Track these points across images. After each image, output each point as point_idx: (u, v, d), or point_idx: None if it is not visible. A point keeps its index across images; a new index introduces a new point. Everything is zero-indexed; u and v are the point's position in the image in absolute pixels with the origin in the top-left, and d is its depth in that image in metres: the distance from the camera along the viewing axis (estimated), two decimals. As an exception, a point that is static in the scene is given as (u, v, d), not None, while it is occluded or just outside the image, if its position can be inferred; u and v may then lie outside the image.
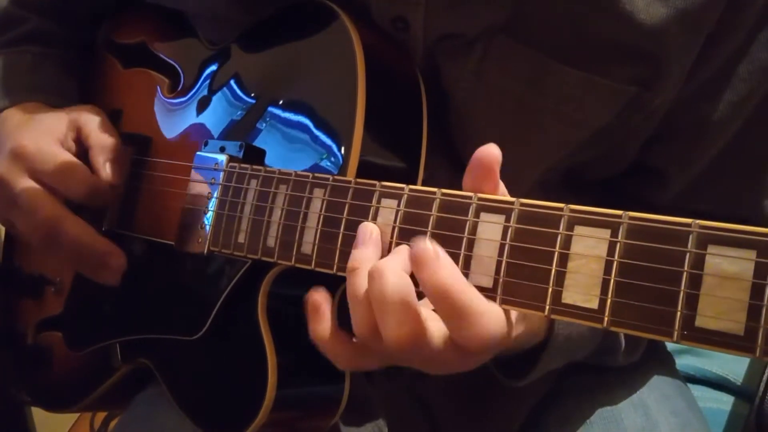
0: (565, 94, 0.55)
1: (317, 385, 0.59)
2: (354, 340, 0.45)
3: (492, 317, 0.40)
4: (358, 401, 0.60)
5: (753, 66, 0.56)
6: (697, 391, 0.88)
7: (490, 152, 0.42)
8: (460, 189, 0.43)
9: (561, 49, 0.54)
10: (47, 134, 0.64)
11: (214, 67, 0.65)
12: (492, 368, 0.59)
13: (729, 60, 0.56)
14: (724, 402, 0.89)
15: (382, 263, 0.40)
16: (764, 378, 0.84)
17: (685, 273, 0.34)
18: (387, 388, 0.72)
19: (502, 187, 0.44)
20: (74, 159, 0.64)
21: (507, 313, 0.41)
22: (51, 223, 0.61)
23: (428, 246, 0.40)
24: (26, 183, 0.62)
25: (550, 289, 0.38)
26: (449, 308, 0.40)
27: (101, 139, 0.65)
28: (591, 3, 0.52)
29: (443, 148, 0.61)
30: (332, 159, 0.52)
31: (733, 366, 0.90)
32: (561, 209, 0.39)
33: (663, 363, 0.76)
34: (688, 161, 0.61)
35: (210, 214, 0.56)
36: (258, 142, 0.57)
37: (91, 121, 0.66)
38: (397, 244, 0.44)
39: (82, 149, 0.66)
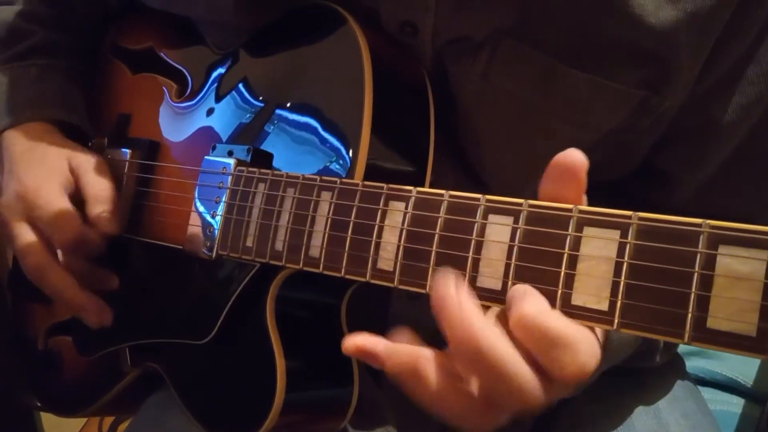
0: (572, 97, 0.55)
1: (326, 389, 0.59)
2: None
3: (586, 343, 0.37)
4: (368, 405, 0.60)
5: (761, 69, 0.55)
6: (707, 393, 0.87)
7: (575, 156, 0.39)
8: (467, 191, 0.43)
9: (569, 52, 0.53)
10: (50, 178, 0.66)
11: (221, 72, 0.65)
12: None
13: (737, 63, 0.55)
14: (735, 404, 0.89)
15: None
16: (775, 380, 0.83)
17: (696, 274, 0.34)
18: (397, 391, 0.71)
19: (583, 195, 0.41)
20: (68, 207, 0.65)
21: (593, 331, 0.38)
22: (36, 271, 0.65)
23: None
24: (20, 228, 0.65)
25: (560, 291, 0.38)
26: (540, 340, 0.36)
27: (96, 191, 0.66)
28: (599, 6, 0.51)
29: (451, 151, 0.61)
30: (340, 162, 0.52)
31: (744, 368, 0.90)
32: (570, 210, 0.39)
33: (673, 365, 0.76)
34: (697, 164, 0.60)
35: (218, 218, 0.56)
36: (266, 146, 0.57)
37: (88, 171, 0.67)
38: (406, 248, 0.44)
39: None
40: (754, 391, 0.89)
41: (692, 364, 0.88)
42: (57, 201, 0.65)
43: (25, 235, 0.65)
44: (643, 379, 0.71)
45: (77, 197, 0.67)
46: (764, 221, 0.61)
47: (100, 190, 0.66)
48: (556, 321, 0.36)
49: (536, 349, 0.36)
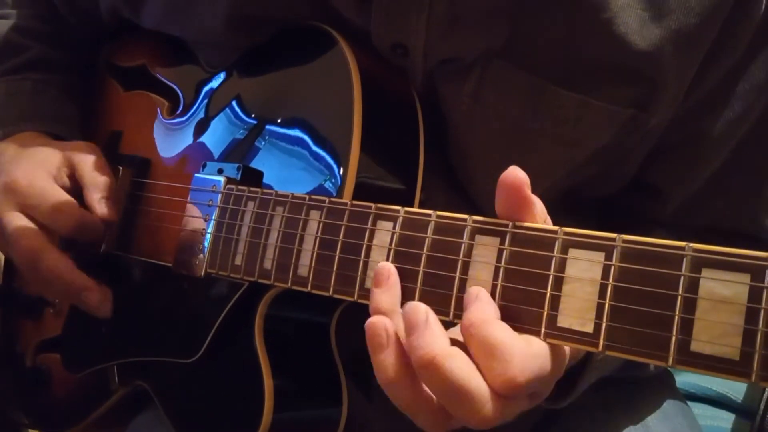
0: (561, 116, 0.55)
1: (315, 408, 0.59)
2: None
3: (521, 357, 0.37)
4: (358, 422, 0.60)
5: (749, 84, 0.56)
6: (697, 408, 0.87)
7: (516, 175, 0.39)
8: (457, 210, 0.43)
9: (557, 72, 0.54)
10: (40, 168, 0.65)
11: (213, 89, 0.66)
12: None
13: (726, 78, 0.56)
14: (725, 420, 0.89)
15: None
16: (765, 396, 0.84)
17: (679, 297, 0.34)
18: (388, 407, 0.71)
19: (542, 209, 0.41)
20: (64, 194, 0.64)
21: (554, 348, 0.39)
22: (31, 254, 0.63)
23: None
24: (12, 215, 0.63)
25: (546, 313, 0.38)
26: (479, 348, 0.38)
27: (95, 177, 0.65)
28: (585, 26, 0.52)
29: (441, 170, 0.61)
30: (330, 180, 0.53)
31: (734, 383, 0.90)
32: (555, 232, 0.39)
33: (663, 381, 0.76)
34: (686, 178, 0.61)
35: (207, 237, 0.56)
36: (256, 163, 0.57)
37: (85, 160, 0.67)
38: (396, 267, 0.44)
39: (75, 186, 0.66)
40: (743, 406, 0.90)
41: (682, 380, 0.88)
42: (52, 188, 0.64)
43: (18, 220, 0.63)
44: (633, 396, 0.71)
45: (73, 186, 0.66)
46: (754, 231, 0.62)
47: (98, 176, 0.65)
48: (495, 331, 0.37)
49: (476, 356, 0.38)
